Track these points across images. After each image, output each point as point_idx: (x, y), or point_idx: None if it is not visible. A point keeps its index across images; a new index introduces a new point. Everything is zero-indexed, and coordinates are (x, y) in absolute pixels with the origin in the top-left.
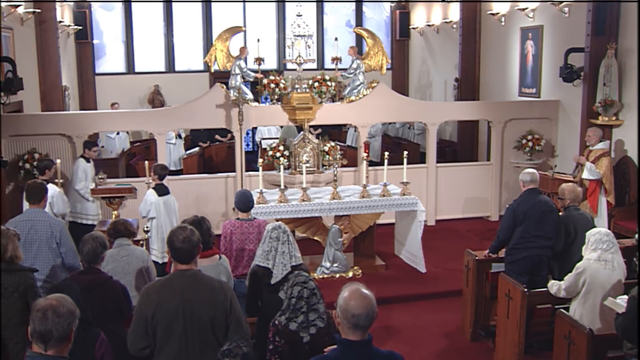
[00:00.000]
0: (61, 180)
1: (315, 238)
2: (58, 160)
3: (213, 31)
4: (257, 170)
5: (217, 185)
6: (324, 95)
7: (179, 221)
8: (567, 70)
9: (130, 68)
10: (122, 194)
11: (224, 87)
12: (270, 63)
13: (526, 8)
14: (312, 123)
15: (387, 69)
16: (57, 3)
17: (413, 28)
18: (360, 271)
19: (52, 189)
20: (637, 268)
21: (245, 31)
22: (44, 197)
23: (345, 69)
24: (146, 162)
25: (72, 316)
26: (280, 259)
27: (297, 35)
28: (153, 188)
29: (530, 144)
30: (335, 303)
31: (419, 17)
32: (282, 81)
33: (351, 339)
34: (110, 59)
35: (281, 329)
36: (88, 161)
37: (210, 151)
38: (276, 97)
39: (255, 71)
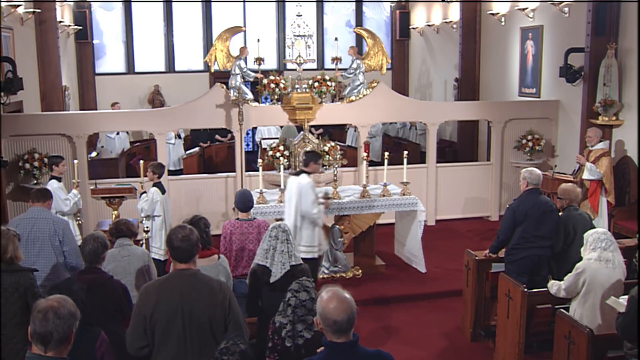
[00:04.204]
0: (78, 180)
1: None
2: (75, 161)
3: (213, 31)
4: (257, 170)
5: (217, 185)
6: (324, 95)
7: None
8: (569, 70)
9: (130, 68)
10: (122, 194)
11: (224, 87)
12: (270, 63)
13: (526, 8)
14: (312, 123)
15: (387, 69)
16: (57, 3)
17: (413, 28)
18: (360, 271)
19: (51, 185)
20: (637, 268)
21: (245, 31)
22: (48, 198)
23: (345, 69)
24: (141, 162)
25: (73, 318)
26: (279, 257)
27: (297, 35)
28: (155, 186)
29: (530, 144)
30: (314, 307)
31: (419, 17)
32: (282, 81)
33: (337, 342)
34: (110, 59)
35: (277, 329)
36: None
37: (210, 151)
38: (276, 97)
39: (255, 71)
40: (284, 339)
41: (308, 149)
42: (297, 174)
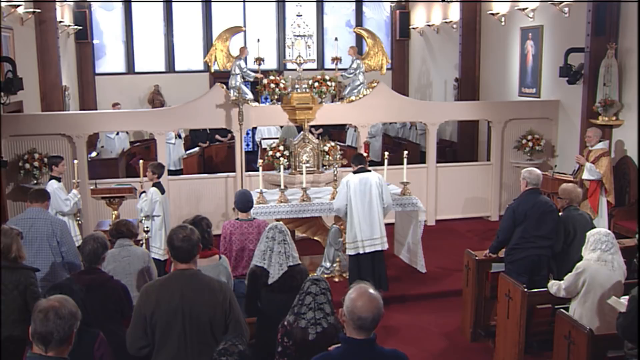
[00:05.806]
0: (78, 180)
1: (315, 238)
2: (75, 161)
3: (213, 31)
4: (257, 170)
5: (217, 185)
6: (324, 95)
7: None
8: (570, 72)
9: (130, 68)
10: (122, 194)
11: (224, 87)
12: (270, 63)
13: (526, 8)
14: (312, 123)
15: (387, 69)
16: (57, 3)
17: (413, 28)
18: None
19: (50, 186)
20: (637, 268)
21: (245, 31)
22: (46, 199)
23: (345, 69)
24: (141, 162)
25: (74, 318)
26: (276, 258)
27: (297, 35)
28: (155, 186)
29: (530, 144)
30: (342, 298)
31: (419, 17)
32: (282, 81)
33: (355, 338)
34: (110, 59)
35: (290, 328)
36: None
37: (210, 151)
38: (276, 97)
39: (255, 71)
40: (305, 329)
41: (308, 149)
42: (363, 171)
